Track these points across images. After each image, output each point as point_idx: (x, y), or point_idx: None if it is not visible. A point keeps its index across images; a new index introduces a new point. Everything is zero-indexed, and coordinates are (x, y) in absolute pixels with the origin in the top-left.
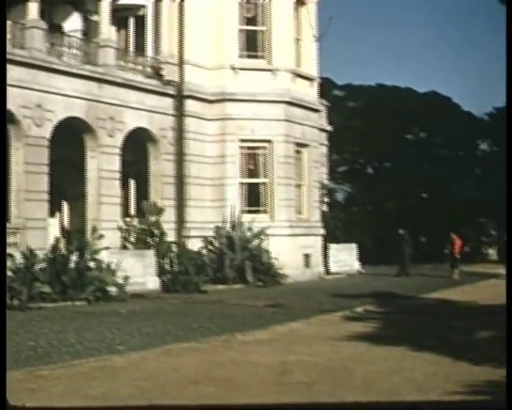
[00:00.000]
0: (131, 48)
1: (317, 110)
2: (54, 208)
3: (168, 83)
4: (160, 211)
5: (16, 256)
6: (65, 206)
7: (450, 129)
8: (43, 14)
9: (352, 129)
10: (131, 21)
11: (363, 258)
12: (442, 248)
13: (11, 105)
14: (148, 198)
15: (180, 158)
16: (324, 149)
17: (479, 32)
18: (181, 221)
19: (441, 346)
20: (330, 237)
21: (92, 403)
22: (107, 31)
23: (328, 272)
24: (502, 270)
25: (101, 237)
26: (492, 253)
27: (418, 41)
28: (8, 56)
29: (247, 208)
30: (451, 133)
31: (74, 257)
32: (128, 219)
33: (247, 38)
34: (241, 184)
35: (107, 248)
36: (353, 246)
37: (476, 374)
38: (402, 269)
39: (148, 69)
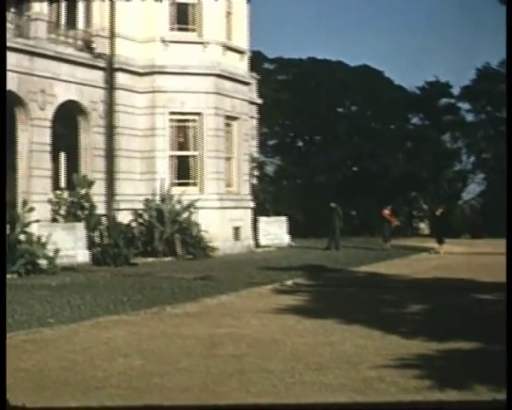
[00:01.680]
0: (63, 21)
1: (247, 83)
2: None
3: (99, 56)
4: (90, 184)
5: None
6: None
7: (382, 102)
8: None
9: (282, 102)
10: None
11: (293, 231)
12: (373, 221)
13: None
14: (78, 171)
15: (110, 131)
16: (254, 122)
17: (413, 6)
18: (111, 194)
19: (371, 319)
20: (260, 210)
21: (23, 376)
22: (39, 4)
23: (257, 244)
24: (433, 244)
25: (31, 209)
26: (424, 227)
27: (351, 15)
28: None
29: (176, 181)
30: (383, 107)
31: None
32: (58, 192)
33: (177, 10)
34: (171, 156)
35: (37, 221)
36: (283, 219)
37: (407, 347)
38: (332, 242)
39: (80, 42)
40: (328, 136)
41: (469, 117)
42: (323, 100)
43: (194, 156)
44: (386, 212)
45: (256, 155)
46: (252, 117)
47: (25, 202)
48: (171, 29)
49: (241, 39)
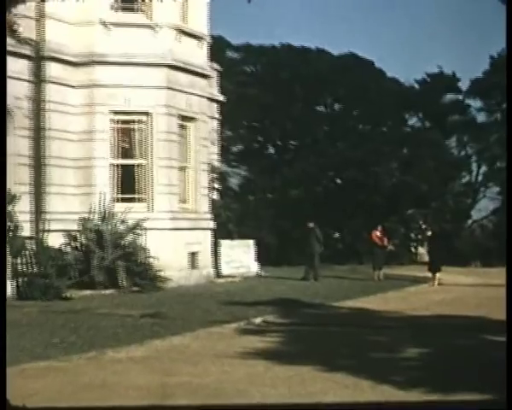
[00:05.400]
0: None
1: (206, 76)
2: None
3: (24, 41)
4: (13, 199)
5: None
6: None
7: (372, 100)
8: None
9: (249, 99)
10: None
11: (263, 257)
12: (360, 245)
13: None
14: None
15: (38, 134)
16: (215, 124)
17: None
18: (39, 212)
19: (359, 366)
20: (222, 232)
21: None
22: None
23: (219, 274)
24: (436, 273)
25: None
26: (423, 252)
27: None
28: None
29: (119, 196)
30: (373, 105)
31: None
32: None
33: None
34: (113, 166)
35: None
36: (250, 243)
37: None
38: (310, 271)
39: None
40: (306, 140)
41: (481, 117)
42: (300, 96)
43: (140, 165)
44: (377, 234)
45: (217, 164)
46: (212, 117)
47: None
48: (114, 9)
49: (200, 22)
